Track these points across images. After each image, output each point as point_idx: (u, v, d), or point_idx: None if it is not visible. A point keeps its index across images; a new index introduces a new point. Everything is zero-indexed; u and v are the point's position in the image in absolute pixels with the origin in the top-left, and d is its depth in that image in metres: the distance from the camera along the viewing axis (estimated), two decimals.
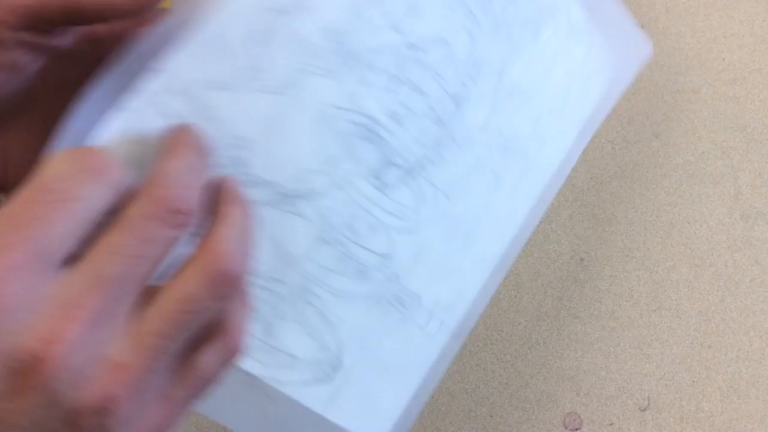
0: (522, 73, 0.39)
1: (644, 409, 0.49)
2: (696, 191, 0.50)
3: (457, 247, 0.38)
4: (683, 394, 0.49)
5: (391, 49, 0.34)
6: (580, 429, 0.49)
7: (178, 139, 0.24)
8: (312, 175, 0.32)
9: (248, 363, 0.32)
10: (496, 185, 0.39)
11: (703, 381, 0.49)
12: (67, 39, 0.28)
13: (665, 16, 0.52)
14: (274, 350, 0.33)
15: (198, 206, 0.23)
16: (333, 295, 0.35)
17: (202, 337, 0.23)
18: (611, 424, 0.49)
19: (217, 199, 0.25)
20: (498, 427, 0.49)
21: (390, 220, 0.35)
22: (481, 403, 0.49)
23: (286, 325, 0.34)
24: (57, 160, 0.21)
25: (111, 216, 0.22)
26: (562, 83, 0.41)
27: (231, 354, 0.24)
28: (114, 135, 0.26)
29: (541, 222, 0.48)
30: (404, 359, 0.37)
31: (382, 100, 0.34)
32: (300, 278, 0.33)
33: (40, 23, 0.25)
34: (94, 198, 0.21)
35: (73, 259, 0.21)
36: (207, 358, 0.23)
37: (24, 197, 0.20)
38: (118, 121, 0.26)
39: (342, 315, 0.35)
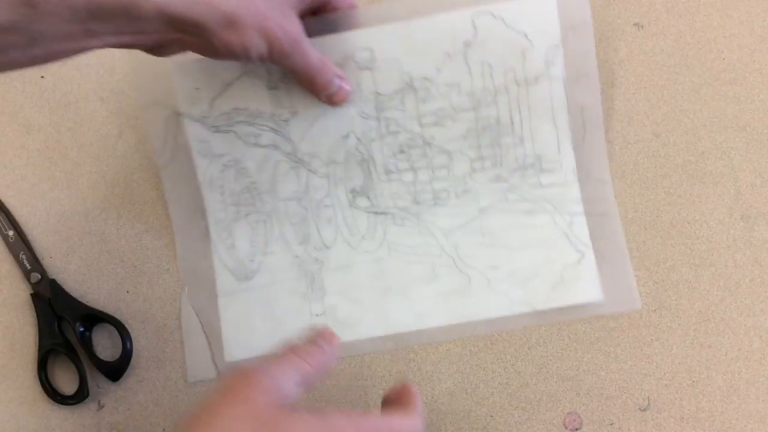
0: (501, 227, 0.48)
1: (644, 409, 0.49)
2: (696, 191, 0.50)
3: (372, 289, 0.49)
4: (683, 394, 0.49)
5: (411, 132, 0.48)
6: (580, 429, 0.49)
7: (412, 402, 0.38)
8: (317, 160, 0.49)
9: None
10: (431, 278, 0.49)
11: (703, 381, 0.49)
12: None
13: (665, 16, 0.52)
14: (223, 233, 0.50)
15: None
16: (278, 236, 0.50)
17: None
18: (611, 424, 0.49)
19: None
20: (498, 427, 0.49)
21: (342, 227, 0.49)
22: (481, 403, 0.49)
23: (240, 223, 0.50)
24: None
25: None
26: (535, 263, 0.48)
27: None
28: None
29: None
30: (288, 323, 0.49)
31: (387, 157, 0.48)
32: (269, 208, 0.50)
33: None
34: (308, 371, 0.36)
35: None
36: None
37: (280, 359, 0.36)
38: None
39: (273, 250, 0.50)
